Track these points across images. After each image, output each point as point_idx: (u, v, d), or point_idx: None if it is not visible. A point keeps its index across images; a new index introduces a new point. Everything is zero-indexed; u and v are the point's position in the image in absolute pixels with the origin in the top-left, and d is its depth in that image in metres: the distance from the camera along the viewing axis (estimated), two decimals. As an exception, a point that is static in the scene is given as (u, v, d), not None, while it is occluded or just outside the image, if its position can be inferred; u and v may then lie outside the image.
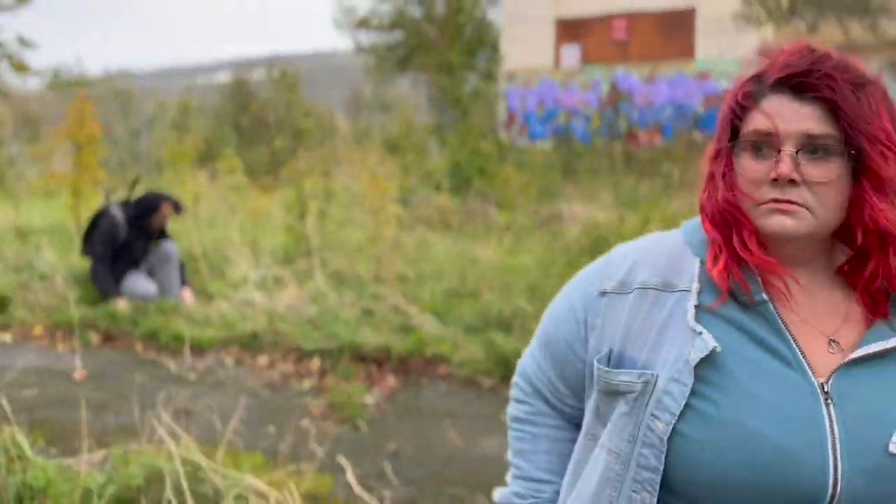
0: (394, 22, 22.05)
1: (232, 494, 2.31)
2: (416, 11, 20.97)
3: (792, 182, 0.91)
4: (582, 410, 1.11)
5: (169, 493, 2.36)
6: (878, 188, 0.92)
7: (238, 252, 5.77)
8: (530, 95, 19.18)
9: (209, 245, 6.03)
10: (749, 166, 0.94)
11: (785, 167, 0.90)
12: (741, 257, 0.95)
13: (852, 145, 0.91)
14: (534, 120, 19.09)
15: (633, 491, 0.95)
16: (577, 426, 1.12)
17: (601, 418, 1.03)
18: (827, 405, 0.91)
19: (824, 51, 0.96)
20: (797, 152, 0.91)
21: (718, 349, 0.91)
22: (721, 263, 0.95)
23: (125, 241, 5.22)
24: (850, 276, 0.97)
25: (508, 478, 1.17)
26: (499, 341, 4.30)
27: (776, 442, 0.89)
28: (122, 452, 2.67)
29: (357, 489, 2.91)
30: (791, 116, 0.92)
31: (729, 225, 0.96)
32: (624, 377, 0.98)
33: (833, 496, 0.88)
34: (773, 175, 0.91)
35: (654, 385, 0.94)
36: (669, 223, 5.79)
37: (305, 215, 6.55)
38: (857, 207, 0.93)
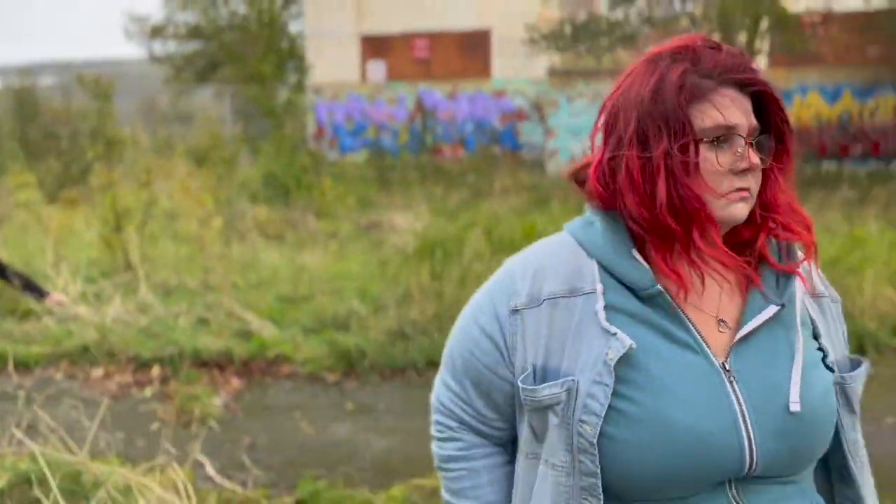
0: (191, 32, 21.41)
1: (111, 484, 2.40)
2: (220, 21, 20.54)
3: (749, 170, 0.98)
4: (511, 430, 1.10)
5: (37, 491, 2.41)
6: (784, 171, 1.02)
7: (53, 268, 5.52)
8: (338, 109, 19.49)
9: (18, 263, 5.69)
10: (713, 159, 0.97)
11: (755, 157, 0.97)
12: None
13: (777, 133, 1.01)
14: (343, 133, 19.41)
15: (583, 498, 0.97)
16: (507, 447, 1.13)
17: (538, 435, 1.03)
18: (731, 383, 0.97)
19: (738, 51, 1.03)
20: (751, 145, 0.98)
21: (634, 346, 0.95)
22: (645, 259, 1.00)
23: None
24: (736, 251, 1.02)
25: None
26: (339, 339, 4.58)
27: (695, 429, 0.94)
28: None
29: (218, 479, 3.06)
30: (742, 110, 0.98)
31: (687, 219, 0.97)
32: (548, 390, 0.99)
33: (752, 464, 0.95)
34: (743, 165, 0.96)
35: (577, 390, 0.96)
36: (489, 226, 6.37)
37: (122, 228, 6.38)
38: (764, 187, 1.01)
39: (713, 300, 1.01)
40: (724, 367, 0.97)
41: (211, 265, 6.00)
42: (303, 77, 17.05)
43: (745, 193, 0.97)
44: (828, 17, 13.88)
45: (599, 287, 0.99)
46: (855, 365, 1.09)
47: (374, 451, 3.53)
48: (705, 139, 0.97)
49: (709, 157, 0.97)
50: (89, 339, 4.42)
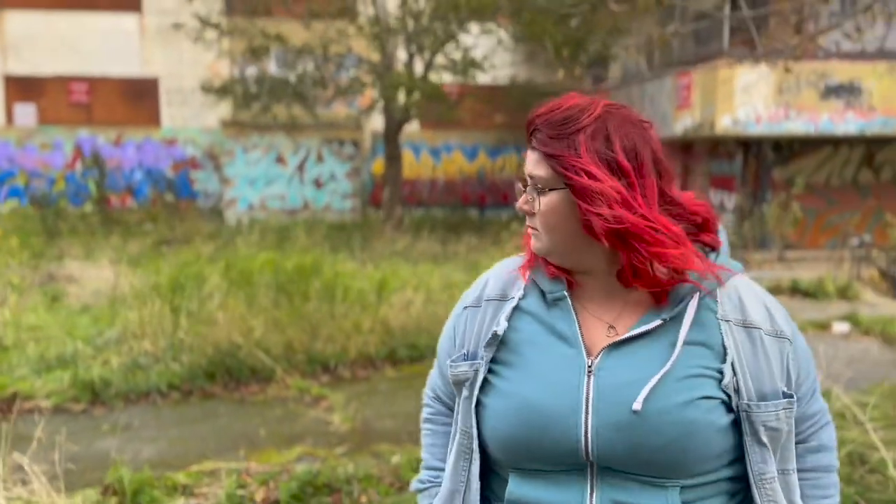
0: None
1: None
2: None
3: (528, 210, 1.17)
4: None
5: None
6: (587, 201, 1.08)
7: None
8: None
9: None
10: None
11: (520, 201, 1.17)
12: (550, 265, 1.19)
13: (561, 181, 1.10)
14: (-18, 180, 17.56)
15: (466, 457, 1.20)
16: None
17: (458, 406, 1.24)
18: (589, 376, 1.10)
19: (578, 101, 1.13)
20: (525, 188, 1.16)
21: (500, 333, 1.17)
22: (550, 269, 1.19)
23: None
24: (623, 276, 1.13)
25: (420, 468, 1.38)
26: (79, 372, 4.84)
27: (543, 407, 1.10)
28: None
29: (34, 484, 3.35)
30: (528, 162, 1.15)
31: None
32: (461, 368, 1.21)
33: (586, 447, 1.08)
34: (520, 206, 1.18)
35: (477, 372, 1.18)
36: (229, 263, 6.95)
37: None
38: (587, 224, 1.10)
39: (612, 310, 1.16)
40: (590, 364, 1.11)
41: None
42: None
43: (531, 230, 1.18)
44: (464, 90, 16.79)
45: (519, 294, 1.20)
46: (784, 398, 1.12)
47: (145, 455, 4.01)
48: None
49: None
50: None
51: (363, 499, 3.43)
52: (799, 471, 1.18)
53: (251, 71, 15.42)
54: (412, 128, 17.69)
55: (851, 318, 7.99)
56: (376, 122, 16.55)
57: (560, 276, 1.17)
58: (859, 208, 12.31)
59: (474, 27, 13.85)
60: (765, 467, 1.10)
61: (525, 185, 1.16)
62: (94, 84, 18.12)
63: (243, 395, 5.12)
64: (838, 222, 12.24)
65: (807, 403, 1.18)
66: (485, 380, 1.17)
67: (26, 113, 18.02)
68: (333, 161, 17.39)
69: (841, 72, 10.52)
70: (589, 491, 1.10)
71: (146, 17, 17.97)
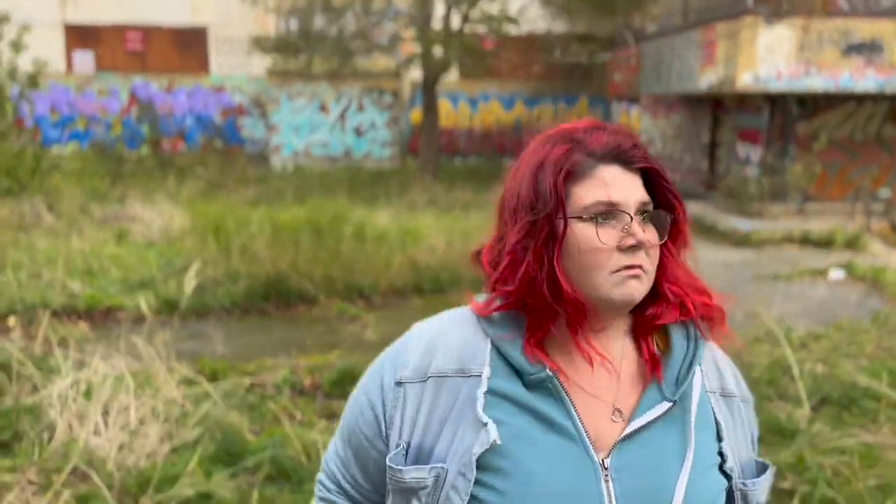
0: None
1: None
2: None
3: (638, 247, 0.94)
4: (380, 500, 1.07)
5: None
6: (678, 251, 1.00)
7: None
8: (41, 100, 18.90)
9: None
10: (593, 236, 0.94)
11: (641, 234, 0.94)
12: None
13: (669, 208, 0.98)
14: (47, 124, 18.90)
15: None
16: None
17: None
18: (606, 482, 0.93)
19: (624, 128, 1.01)
20: (639, 218, 0.95)
21: (499, 442, 0.92)
22: (533, 344, 0.97)
23: None
24: (637, 337, 1.00)
25: None
26: (159, 292, 6.00)
27: None
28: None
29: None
30: (627, 184, 0.96)
31: (552, 305, 0.95)
32: (415, 473, 0.96)
33: None
34: (630, 242, 0.93)
35: (445, 479, 0.94)
36: (270, 209, 8.20)
37: None
38: (662, 269, 0.99)
39: (610, 387, 0.98)
40: (603, 465, 0.94)
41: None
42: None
43: (636, 271, 0.94)
44: (501, 41, 17.43)
45: (486, 371, 0.97)
46: (761, 470, 1.04)
47: (219, 354, 5.11)
48: (585, 216, 0.94)
49: (589, 235, 0.94)
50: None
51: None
52: None
53: (295, 24, 16.27)
54: (450, 77, 18.44)
55: (848, 267, 8.74)
56: (416, 73, 17.34)
57: (539, 355, 0.97)
58: (881, 163, 12.80)
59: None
60: None
61: (624, 218, 0.96)
62: (148, 32, 19.24)
63: (292, 314, 6.23)
64: (860, 176, 12.77)
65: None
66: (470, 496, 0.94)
67: (85, 60, 19.26)
68: (374, 110, 18.30)
69: (862, 29, 10.97)
70: None
71: (196, -33, 18.92)
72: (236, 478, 3.06)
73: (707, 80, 12.04)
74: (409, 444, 0.99)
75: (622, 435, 0.95)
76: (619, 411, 0.98)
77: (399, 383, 1.01)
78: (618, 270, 0.95)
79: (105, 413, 3.33)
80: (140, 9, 18.93)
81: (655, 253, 0.97)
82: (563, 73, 19.29)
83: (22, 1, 18.22)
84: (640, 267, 0.95)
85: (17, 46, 10.59)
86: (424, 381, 1.00)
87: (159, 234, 9.55)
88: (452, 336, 1.02)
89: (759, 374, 4.40)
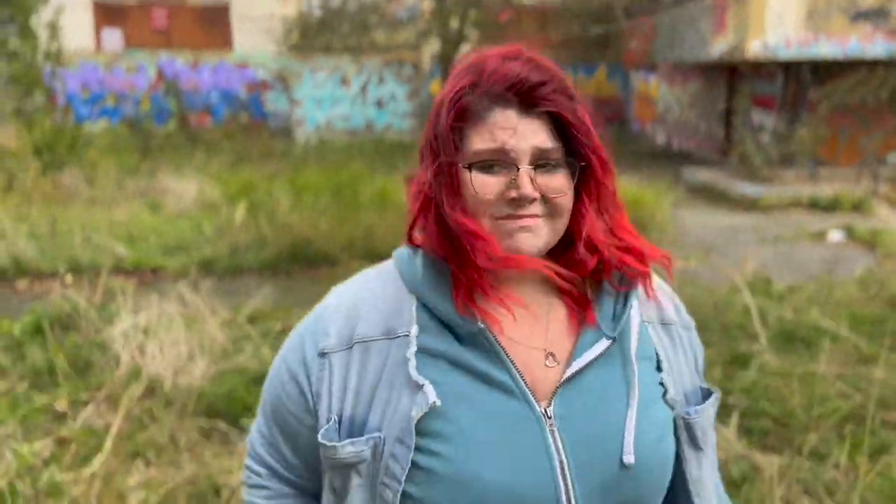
0: None
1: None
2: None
3: (522, 200, 0.89)
4: (312, 483, 1.05)
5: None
6: (595, 201, 0.94)
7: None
8: (71, 77, 19.69)
9: None
10: (481, 183, 0.91)
11: (527, 187, 0.89)
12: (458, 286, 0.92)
13: (580, 157, 0.92)
14: (78, 102, 19.71)
15: None
16: (318, 498, 1.07)
17: (338, 494, 0.97)
18: (552, 432, 0.90)
19: (544, 61, 0.93)
20: (533, 168, 0.90)
21: (438, 403, 0.88)
22: (462, 292, 0.92)
23: None
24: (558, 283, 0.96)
25: None
26: (193, 254, 6.69)
27: (504, 486, 0.87)
28: None
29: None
30: (522, 131, 0.90)
31: (462, 250, 0.91)
32: (351, 447, 0.91)
33: None
34: (513, 195, 0.89)
35: (383, 449, 0.90)
36: (292, 178, 8.96)
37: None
38: (575, 220, 0.94)
39: (540, 333, 0.96)
40: (546, 414, 0.91)
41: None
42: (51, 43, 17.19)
43: (525, 222, 0.90)
44: (516, 13, 17.83)
45: (414, 329, 0.93)
46: (705, 395, 1.03)
47: (252, 306, 5.80)
48: (474, 164, 0.91)
49: (477, 182, 0.90)
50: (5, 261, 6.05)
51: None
52: None
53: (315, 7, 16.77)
54: (467, 49, 18.90)
55: (848, 229, 9.21)
56: (434, 45, 17.83)
57: (471, 306, 0.93)
58: (893, 128, 13.10)
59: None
60: (700, 473, 1.01)
61: (509, 163, 0.91)
62: (173, 10, 19.90)
63: (316, 274, 6.90)
64: (871, 142, 13.10)
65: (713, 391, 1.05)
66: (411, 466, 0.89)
67: (113, 38, 20.00)
68: (394, 82, 18.85)
69: (870, -4, 11.27)
70: None
71: (218, -56, 19.49)
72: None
73: (719, 47, 12.42)
74: (340, 417, 0.94)
75: (562, 380, 0.93)
76: (552, 355, 0.95)
77: (322, 354, 0.96)
78: (501, 218, 0.91)
79: (160, 347, 4.02)
80: (164, -14, 19.59)
81: (563, 201, 0.93)
82: (580, 42, 19.63)
83: (52, -20, 19.03)
84: (530, 216, 0.91)
85: (53, 28, 11.29)
86: (349, 348, 0.95)
87: (190, 204, 10.27)
88: (374, 296, 0.98)
89: (731, 318, 4.98)
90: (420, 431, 0.90)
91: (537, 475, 0.89)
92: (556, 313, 0.99)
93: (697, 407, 1.00)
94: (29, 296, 5.87)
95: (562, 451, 0.90)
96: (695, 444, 1.00)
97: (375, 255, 7.31)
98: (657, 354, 1.00)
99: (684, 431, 0.99)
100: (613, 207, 0.98)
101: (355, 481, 0.94)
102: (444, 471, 0.89)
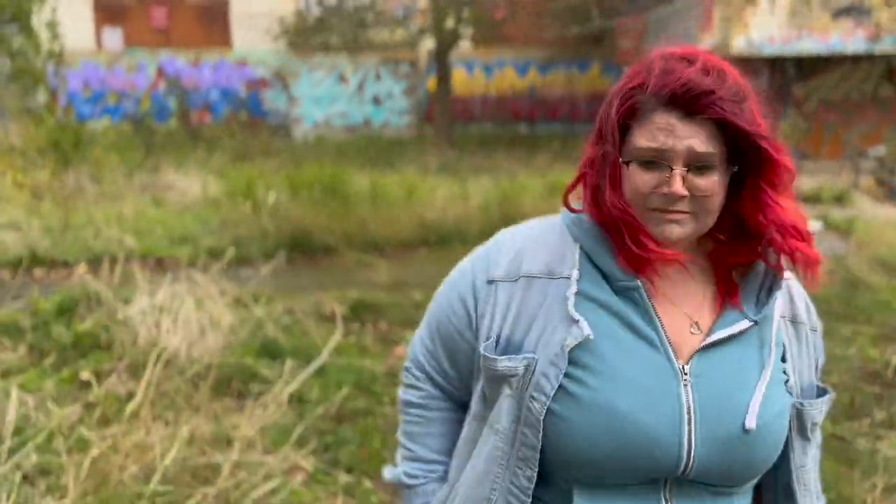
0: None
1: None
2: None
3: (682, 195, 1.01)
4: (470, 393, 1.22)
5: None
6: (774, 185, 1.05)
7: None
8: (72, 76, 20.09)
9: None
10: (639, 177, 1.03)
11: (677, 186, 1.00)
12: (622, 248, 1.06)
13: (736, 159, 1.03)
14: (79, 100, 20.13)
15: (518, 467, 1.08)
16: (465, 408, 1.24)
17: (489, 402, 1.14)
18: (685, 386, 1.04)
19: (703, 58, 1.03)
20: (687, 169, 1.01)
21: (592, 337, 1.02)
22: (624, 255, 1.06)
23: None
24: (717, 262, 1.11)
25: (398, 458, 1.31)
26: (201, 244, 7.13)
27: (638, 421, 1.01)
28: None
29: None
30: (681, 135, 1.00)
31: (619, 227, 1.05)
32: (507, 363, 1.08)
33: (687, 466, 1.02)
34: (664, 191, 1.01)
35: (535, 368, 1.05)
36: (290, 174, 9.40)
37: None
38: (756, 206, 1.05)
39: (694, 304, 1.09)
40: (683, 371, 1.04)
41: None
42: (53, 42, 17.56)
43: (674, 216, 1.02)
44: (512, 7, 18.24)
45: (575, 273, 1.08)
46: (820, 393, 1.15)
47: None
48: (634, 159, 1.03)
49: (635, 175, 1.03)
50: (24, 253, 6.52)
51: (393, 314, 5.59)
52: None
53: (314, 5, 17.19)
54: (465, 46, 19.33)
55: (825, 219, 9.66)
56: (430, 43, 18.25)
57: (630, 269, 1.06)
58: (876, 122, 13.56)
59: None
60: (805, 459, 1.14)
61: (665, 163, 1.02)
62: (172, 8, 20.31)
63: (316, 263, 7.35)
64: (855, 136, 13.55)
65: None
66: (558, 388, 1.04)
67: (113, 37, 20.42)
68: (391, 80, 19.29)
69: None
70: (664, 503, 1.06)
71: (217, -56, 19.90)
72: (274, 361, 4.21)
73: (705, 44, 12.86)
74: (499, 337, 1.11)
75: (701, 345, 1.06)
76: (697, 324, 1.08)
77: (491, 281, 1.14)
78: (653, 209, 1.04)
79: (174, 323, 4.47)
80: (164, -14, 19.99)
81: (715, 201, 1.04)
82: (575, 39, 20.04)
83: (52, -19, 19.43)
84: (678, 211, 1.02)
85: (52, 27, 11.72)
86: (515, 280, 1.12)
87: (192, 200, 10.71)
88: (543, 241, 1.14)
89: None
90: (571, 360, 1.03)
91: (667, 418, 1.02)
92: (709, 289, 1.12)
93: (812, 400, 1.12)
94: (46, 283, 6.33)
95: (692, 404, 1.03)
96: (803, 434, 1.12)
97: (369, 245, 7.76)
98: (784, 346, 1.12)
99: (795, 420, 1.11)
100: (792, 213, 1.08)
101: (506, 391, 1.10)
102: (586, 396, 1.03)
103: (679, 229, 1.04)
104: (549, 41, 20.11)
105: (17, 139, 13.25)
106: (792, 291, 1.17)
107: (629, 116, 1.05)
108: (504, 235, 1.19)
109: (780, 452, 1.11)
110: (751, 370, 1.07)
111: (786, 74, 13.54)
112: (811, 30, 11.81)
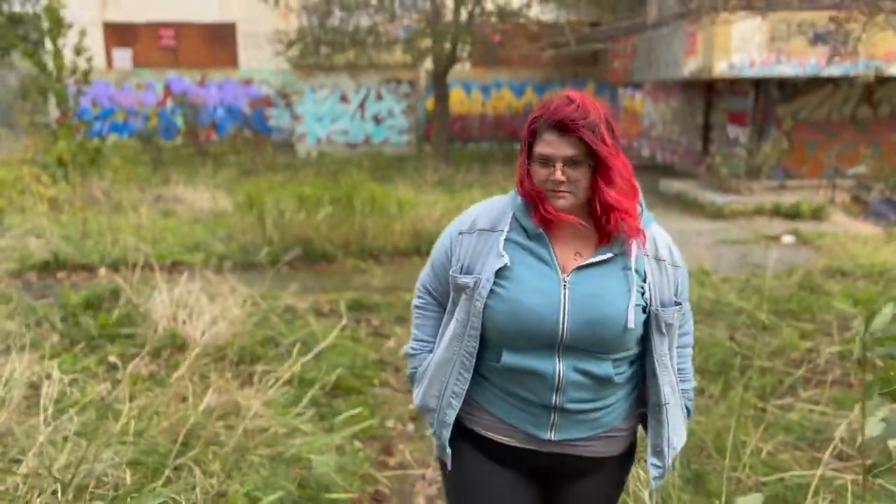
0: None
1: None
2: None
3: (557, 182, 1.72)
4: (448, 298, 1.98)
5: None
6: (607, 181, 1.73)
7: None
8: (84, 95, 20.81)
9: None
10: (539, 172, 1.75)
11: (558, 175, 1.72)
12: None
13: (593, 159, 1.72)
14: (89, 117, 20.83)
15: (467, 340, 1.85)
16: (445, 308, 2.03)
17: (454, 303, 1.92)
18: (564, 287, 1.76)
19: (577, 100, 1.73)
20: (563, 165, 1.72)
21: (509, 263, 1.78)
22: (537, 216, 1.80)
23: None
24: (595, 222, 1.80)
25: (410, 340, 2.10)
26: (211, 252, 7.75)
27: (533, 308, 1.75)
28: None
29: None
30: (559, 146, 1.71)
31: (534, 201, 1.79)
32: (464, 279, 1.85)
33: (562, 335, 1.75)
34: (553, 178, 1.72)
35: (479, 282, 1.81)
36: (267, 196, 9.96)
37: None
38: (596, 191, 1.75)
39: (578, 243, 1.82)
40: (564, 280, 1.77)
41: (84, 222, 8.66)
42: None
43: (560, 194, 1.74)
44: (513, 28, 18.98)
45: (506, 228, 1.83)
46: (673, 306, 1.85)
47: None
48: (536, 160, 1.76)
49: (537, 171, 1.76)
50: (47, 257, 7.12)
51: (386, 313, 6.20)
52: (676, 346, 1.92)
53: (316, 20, 17.93)
54: (464, 66, 20.05)
55: (796, 233, 10.27)
56: (430, 64, 18.96)
57: (538, 223, 1.79)
58: (856, 142, 14.18)
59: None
60: (663, 349, 1.84)
61: (552, 163, 1.72)
62: (180, 29, 21.09)
63: (316, 269, 7.96)
64: (836, 155, 14.17)
65: (684, 306, 1.92)
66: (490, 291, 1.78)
67: (123, 57, 21.19)
68: (391, 99, 20.01)
69: (827, 21, 12.37)
70: (557, 360, 1.78)
71: (224, -32, 20.70)
72: (277, 348, 4.82)
73: (689, 67, 13.54)
74: (461, 265, 1.87)
75: (577, 265, 1.78)
76: (580, 254, 1.80)
77: (460, 233, 1.90)
78: (549, 190, 1.75)
79: (190, 315, 5.08)
80: (173, 7, 20.77)
81: (583, 182, 1.73)
82: (570, 60, 20.78)
83: (68, 2, 20.19)
84: (561, 191, 1.73)
85: (78, 50, 12.46)
86: (472, 233, 1.87)
87: (201, 212, 11.35)
88: (492, 209, 1.89)
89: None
90: (498, 276, 1.79)
91: (551, 307, 1.75)
92: (591, 237, 1.82)
93: (665, 308, 1.82)
94: (69, 284, 6.95)
95: (566, 300, 1.75)
96: (659, 330, 1.82)
97: (367, 253, 8.37)
98: (645, 273, 1.81)
99: (654, 320, 1.81)
100: (626, 186, 1.76)
101: (463, 297, 1.86)
102: (505, 295, 1.78)
103: (563, 201, 1.76)
104: (545, 62, 20.85)
105: (34, 152, 13.95)
106: (657, 239, 1.86)
107: (532, 136, 1.79)
108: (470, 208, 1.96)
109: (631, 341, 1.80)
110: (613, 283, 1.78)
111: (770, 96, 14.18)
112: (790, 54, 12.45)
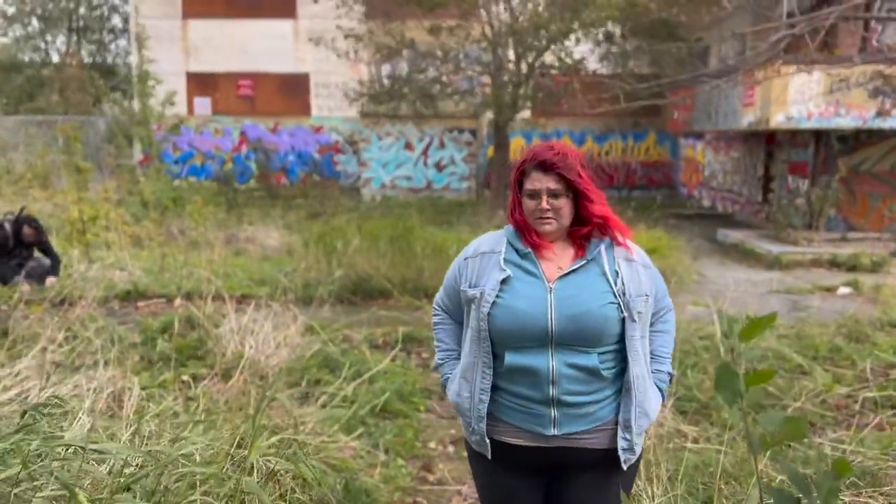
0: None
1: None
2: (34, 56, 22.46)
3: (544, 210, 2.19)
4: (462, 315, 2.41)
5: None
6: (589, 201, 2.21)
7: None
8: (167, 140, 22.15)
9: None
10: (528, 203, 2.23)
11: (543, 205, 2.19)
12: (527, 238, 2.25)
13: (572, 191, 2.20)
14: (170, 160, 22.13)
15: (481, 344, 2.24)
16: (460, 323, 2.46)
17: (468, 316, 2.32)
18: (550, 293, 2.17)
19: (557, 147, 2.21)
20: (548, 197, 2.19)
21: (510, 276, 2.20)
22: (525, 241, 2.25)
23: (11, 248, 7.88)
24: (575, 238, 2.27)
25: (436, 350, 2.51)
26: (278, 286, 8.30)
27: (527, 310, 2.15)
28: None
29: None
30: (543, 181, 2.19)
31: (523, 228, 2.26)
32: (471, 292, 2.26)
33: (552, 333, 2.14)
34: (539, 208, 2.20)
35: (484, 293, 2.21)
36: (332, 236, 10.55)
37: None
38: (585, 211, 2.22)
39: (560, 259, 2.25)
40: (550, 287, 2.18)
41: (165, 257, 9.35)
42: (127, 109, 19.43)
43: (545, 220, 2.21)
44: (573, 80, 19.44)
45: (503, 250, 2.27)
46: (644, 296, 2.23)
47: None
48: (526, 194, 2.24)
49: (526, 203, 2.24)
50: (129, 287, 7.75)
51: (432, 346, 6.56)
52: (653, 332, 2.37)
53: (385, 70, 18.78)
54: (525, 115, 20.57)
55: (854, 284, 10.24)
56: (491, 114, 19.54)
57: (527, 245, 2.25)
58: (920, 195, 14.01)
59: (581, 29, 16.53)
60: (634, 335, 2.19)
61: (539, 195, 2.20)
62: (257, 79, 22.30)
63: (373, 304, 8.40)
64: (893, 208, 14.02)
65: (660, 301, 2.37)
66: (493, 301, 2.19)
67: (203, 105, 22.49)
68: (453, 147, 20.65)
69: (888, 73, 12.41)
70: (550, 357, 2.16)
71: (300, 22, 21.89)
72: (333, 373, 5.23)
73: (747, 119, 13.71)
74: (469, 282, 2.29)
75: (559, 275, 2.20)
76: (561, 268, 2.22)
77: (465, 259, 2.35)
78: (537, 218, 2.22)
79: (256, 341, 5.55)
80: (251, 59, 22.02)
81: (565, 210, 2.21)
82: (630, 110, 21.06)
83: (156, 55, 21.65)
84: (549, 218, 2.20)
85: (169, 101, 13.43)
86: (476, 256, 2.31)
87: (270, 250, 11.99)
88: (489, 238, 2.36)
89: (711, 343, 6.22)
90: (500, 288, 2.19)
91: (540, 310, 2.15)
92: (569, 253, 2.26)
93: (634, 298, 2.19)
94: (147, 312, 7.56)
95: (552, 301, 2.15)
96: (631, 317, 2.17)
97: (423, 292, 8.78)
98: (618, 271, 2.21)
99: (626, 309, 2.16)
100: (601, 208, 2.23)
101: (472, 307, 2.26)
102: (504, 303, 2.18)
103: (549, 226, 2.23)
104: (607, 113, 21.18)
105: (118, 192, 14.99)
106: (631, 247, 2.28)
107: (521, 175, 2.28)
108: (474, 240, 2.40)
109: (610, 330, 2.15)
110: (590, 284, 2.18)
111: (830, 147, 14.19)
112: (849, 106, 12.51)
